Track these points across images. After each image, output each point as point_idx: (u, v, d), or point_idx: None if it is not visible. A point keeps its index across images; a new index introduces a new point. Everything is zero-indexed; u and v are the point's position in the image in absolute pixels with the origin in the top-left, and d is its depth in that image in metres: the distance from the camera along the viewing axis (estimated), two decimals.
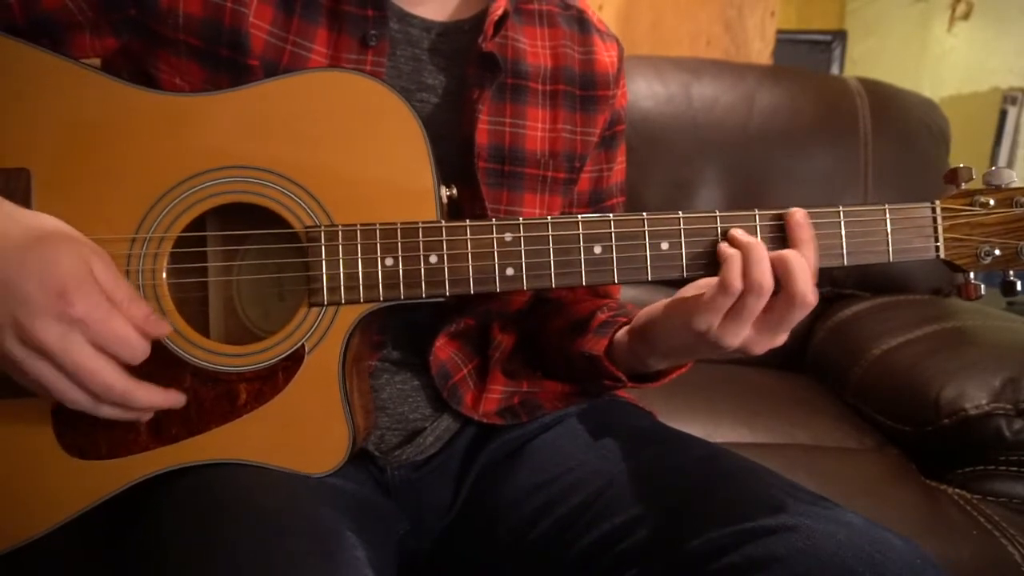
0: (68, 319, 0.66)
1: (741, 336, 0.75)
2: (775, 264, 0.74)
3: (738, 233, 0.76)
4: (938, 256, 0.80)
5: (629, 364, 0.86)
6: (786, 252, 0.74)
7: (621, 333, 0.87)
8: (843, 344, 1.62)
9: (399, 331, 0.88)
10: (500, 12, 0.87)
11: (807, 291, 0.73)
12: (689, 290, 0.79)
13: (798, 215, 0.77)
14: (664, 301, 0.82)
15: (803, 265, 0.74)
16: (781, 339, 0.78)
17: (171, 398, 0.74)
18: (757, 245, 0.75)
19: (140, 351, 0.70)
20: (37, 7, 0.78)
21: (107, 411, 0.71)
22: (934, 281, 1.73)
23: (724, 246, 0.76)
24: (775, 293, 0.74)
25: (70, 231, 0.70)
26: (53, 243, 0.67)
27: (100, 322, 0.67)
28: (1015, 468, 1.27)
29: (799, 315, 0.75)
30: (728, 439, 1.34)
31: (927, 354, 1.42)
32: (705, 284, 0.76)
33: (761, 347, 0.77)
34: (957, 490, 1.28)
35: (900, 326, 1.54)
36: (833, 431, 1.41)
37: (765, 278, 0.73)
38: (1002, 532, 1.19)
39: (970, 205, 0.79)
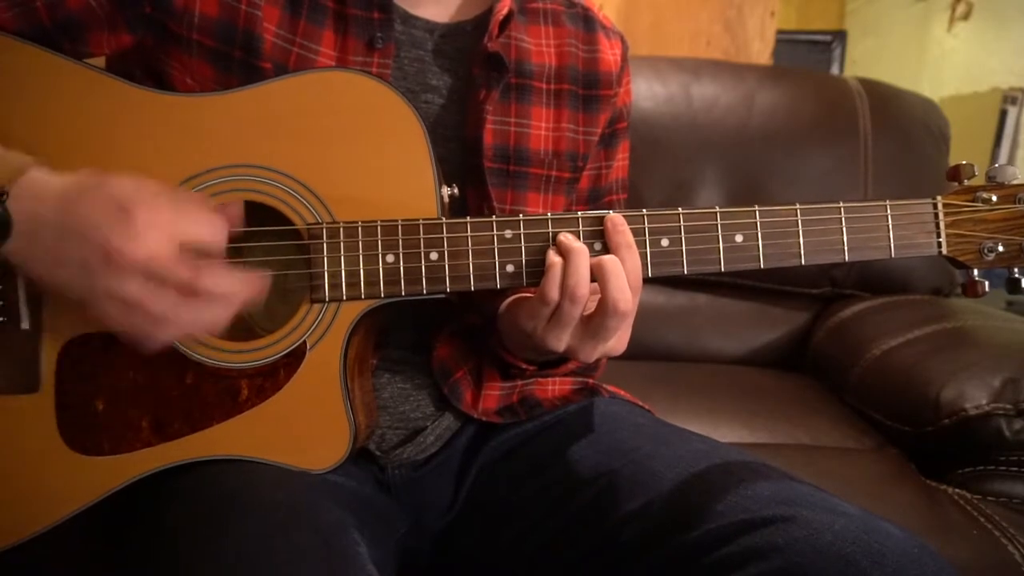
0: (141, 224, 0.66)
1: (563, 341, 0.76)
2: (593, 270, 0.74)
3: (564, 238, 0.76)
4: (940, 252, 0.80)
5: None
6: (604, 258, 0.74)
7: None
8: (843, 344, 1.63)
9: (401, 330, 0.88)
10: (505, 12, 0.88)
11: (618, 299, 0.73)
12: (529, 289, 0.79)
13: (613, 219, 0.76)
14: (511, 298, 0.84)
15: (617, 271, 0.74)
16: (611, 346, 0.77)
17: (257, 279, 0.71)
18: (578, 252, 0.74)
19: (219, 230, 0.70)
20: (62, 8, 0.78)
21: (208, 315, 0.69)
22: (934, 281, 1.73)
23: (551, 252, 0.76)
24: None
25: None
26: (108, 177, 0.69)
27: (171, 220, 0.68)
28: (1015, 468, 1.27)
29: (613, 323, 0.74)
30: (728, 439, 1.34)
31: (927, 354, 1.42)
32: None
33: (587, 353, 0.77)
34: (957, 490, 1.28)
35: (900, 326, 1.54)
36: (833, 431, 1.41)
37: (580, 287, 0.73)
38: (1002, 532, 1.18)
39: (972, 201, 0.79)
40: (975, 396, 1.26)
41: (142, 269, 0.66)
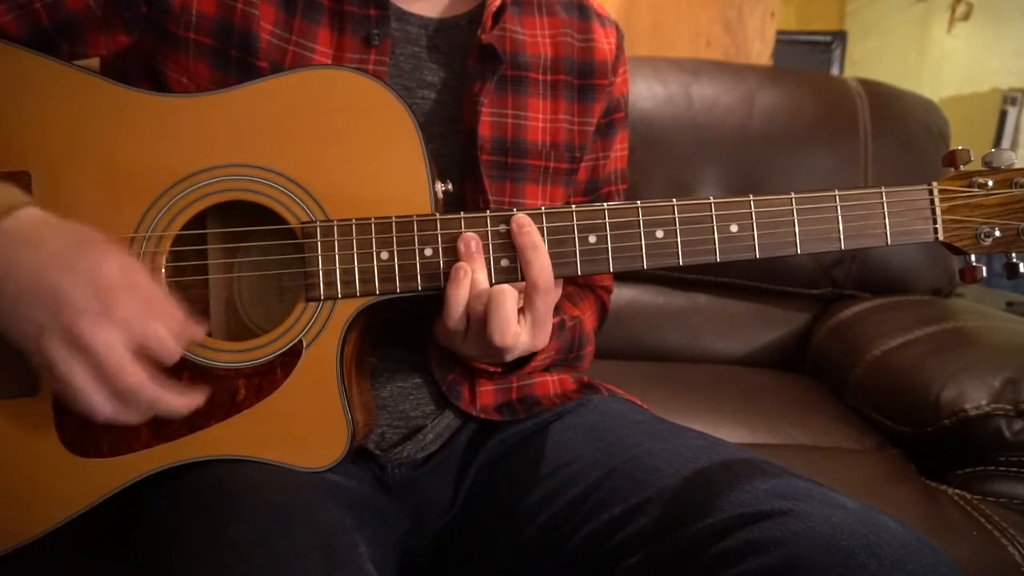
0: (113, 319, 0.67)
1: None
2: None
3: (463, 270, 0.76)
4: (937, 238, 0.79)
5: None
6: (494, 291, 0.75)
7: None
8: (843, 344, 1.62)
9: (400, 328, 0.88)
10: (498, 3, 0.88)
11: (504, 332, 0.75)
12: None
13: (519, 220, 0.76)
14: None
15: (501, 304, 0.74)
16: (529, 343, 0.78)
17: (193, 402, 0.74)
18: (483, 294, 0.75)
19: (175, 352, 0.71)
20: (62, 9, 0.78)
21: (124, 416, 0.71)
22: (934, 281, 1.73)
23: (455, 289, 0.76)
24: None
25: (107, 238, 0.72)
26: (97, 248, 0.69)
27: (141, 323, 0.68)
28: (1015, 469, 1.26)
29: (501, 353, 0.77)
30: (728, 439, 1.33)
31: (927, 355, 1.41)
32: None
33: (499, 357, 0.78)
34: (957, 490, 1.27)
35: (900, 327, 1.54)
36: (833, 431, 1.41)
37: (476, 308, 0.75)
38: (1002, 532, 1.18)
39: (968, 187, 0.79)
40: (975, 396, 1.26)
41: (95, 359, 0.67)
